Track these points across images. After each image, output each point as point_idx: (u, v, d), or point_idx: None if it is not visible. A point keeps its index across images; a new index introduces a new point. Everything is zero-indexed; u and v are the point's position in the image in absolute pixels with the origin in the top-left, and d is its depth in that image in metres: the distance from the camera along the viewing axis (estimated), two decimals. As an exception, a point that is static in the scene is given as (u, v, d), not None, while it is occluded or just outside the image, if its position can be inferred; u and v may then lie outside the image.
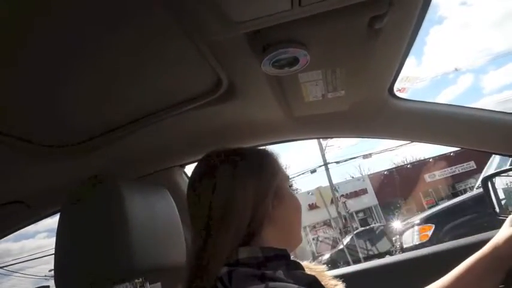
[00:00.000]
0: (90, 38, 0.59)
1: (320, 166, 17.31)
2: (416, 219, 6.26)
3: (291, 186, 0.79)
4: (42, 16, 0.51)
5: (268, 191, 0.69)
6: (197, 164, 0.76)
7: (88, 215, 0.78)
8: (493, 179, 1.34)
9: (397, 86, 1.03)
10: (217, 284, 0.59)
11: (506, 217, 1.35)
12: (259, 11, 0.57)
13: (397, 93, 1.06)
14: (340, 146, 19.31)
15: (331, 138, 1.30)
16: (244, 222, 0.65)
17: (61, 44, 0.57)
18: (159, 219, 0.85)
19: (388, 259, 1.34)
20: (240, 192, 0.66)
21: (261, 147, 0.82)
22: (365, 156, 17.50)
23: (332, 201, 15.28)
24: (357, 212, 20.50)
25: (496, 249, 0.79)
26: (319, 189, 12.79)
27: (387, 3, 0.63)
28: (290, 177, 0.82)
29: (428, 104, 1.09)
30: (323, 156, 17.34)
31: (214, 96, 0.87)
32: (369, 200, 20.71)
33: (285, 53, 0.69)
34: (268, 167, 0.73)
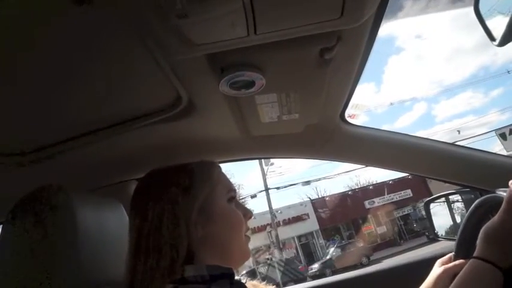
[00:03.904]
0: (50, 48, 0.59)
1: (261, 191, 18.00)
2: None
3: (232, 199, 0.75)
4: None
5: (190, 211, 0.68)
6: (137, 183, 0.77)
7: (34, 228, 0.75)
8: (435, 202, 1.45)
9: (348, 112, 1.11)
10: None
11: (445, 239, 1.45)
12: (217, 35, 0.60)
13: (348, 119, 1.13)
14: (281, 172, 20.15)
15: (286, 158, 1.35)
16: (177, 242, 0.64)
17: (13, 51, 0.58)
18: (111, 234, 0.83)
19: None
20: (166, 215, 0.66)
21: (196, 161, 0.78)
22: (304, 184, 18.45)
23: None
24: (299, 237, 20.96)
25: None
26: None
27: (335, 37, 0.69)
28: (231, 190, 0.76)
29: (376, 130, 1.18)
30: (264, 181, 17.99)
31: (173, 112, 0.89)
32: (311, 225, 21.17)
33: (242, 76, 0.73)
34: (192, 186, 0.70)
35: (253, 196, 18.15)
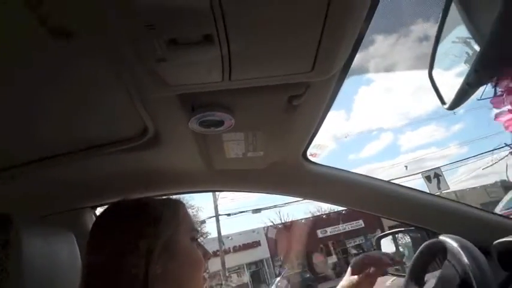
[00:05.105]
0: (20, 71, 0.58)
1: (210, 217, 17.88)
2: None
3: (194, 238, 0.76)
4: None
5: (154, 247, 0.67)
6: (97, 216, 0.77)
7: None
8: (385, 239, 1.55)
9: (310, 151, 1.16)
10: None
11: (394, 275, 1.52)
12: (193, 79, 0.62)
13: (310, 158, 1.18)
14: (233, 199, 20.21)
15: (249, 192, 1.38)
16: (136, 278, 0.63)
17: None
18: (60, 267, 0.79)
19: None
20: (128, 248, 0.65)
21: (164, 198, 0.80)
22: (254, 211, 18.61)
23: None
24: (249, 264, 20.67)
25: None
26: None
27: (304, 86, 0.73)
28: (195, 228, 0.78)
29: (335, 169, 1.23)
30: (215, 207, 17.89)
31: (138, 142, 0.88)
32: (262, 252, 21.04)
33: (212, 116, 0.74)
34: (160, 222, 0.70)
35: (203, 222, 17.96)
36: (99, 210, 1.22)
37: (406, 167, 20.23)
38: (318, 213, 24.60)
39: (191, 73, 0.60)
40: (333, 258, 21.71)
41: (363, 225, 22.06)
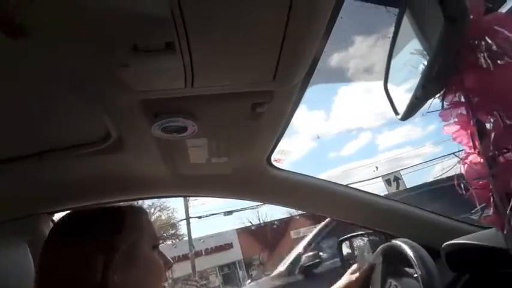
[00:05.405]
0: None
1: (181, 220, 17.72)
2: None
3: (155, 246, 0.75)
4: None
5: (114, 254, 0.66)
6: (55, 222, 0.75)
7: None
8: (346, 242, 1.62)
9: (274, 156, 1.18)
10: None
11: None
12: (156, 85, 0.62)
13: (274, 163, 1.20)
14: (204, 202, 20.13)
15: (214, 197, 1.39)
16: (91, 284, 0.62)
17: None
18: (11, 280, 0.76)
19: None
20: (86, 255, 0.65)
21: (126, 205, 0.80)
22: (226, 213, 18.56)
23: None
24: (222, 267, 20.44)
25: None
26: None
27: (268, 94, 0.75)
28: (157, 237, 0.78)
29: (298, 175, 1.26)
30: (186, 210, 17.80)
31: (100, 147, 0.86)
32: (234, 254, 20.85)
33: (175, 122, 0.75)
34: (123, 229, 0.70)
35: (173, 224, 17.69)
36: (57, 217, 1.17)
37: (376, 167, 20.78)
38: (296, 214, 24.68)
39: (154, 79, 0.60)
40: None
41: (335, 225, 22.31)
